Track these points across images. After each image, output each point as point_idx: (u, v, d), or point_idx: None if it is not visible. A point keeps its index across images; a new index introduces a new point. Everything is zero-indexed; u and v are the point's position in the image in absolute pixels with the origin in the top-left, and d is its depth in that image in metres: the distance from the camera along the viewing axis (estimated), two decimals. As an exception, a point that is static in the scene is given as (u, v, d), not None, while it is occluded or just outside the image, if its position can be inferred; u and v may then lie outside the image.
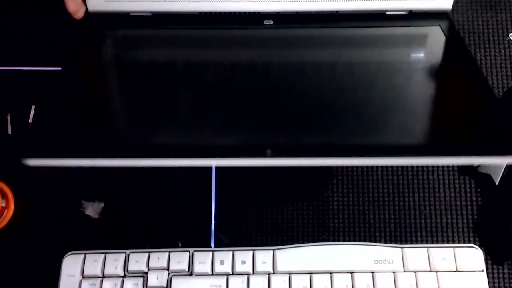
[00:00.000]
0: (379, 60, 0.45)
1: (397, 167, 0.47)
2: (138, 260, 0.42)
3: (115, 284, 0.41)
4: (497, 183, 0.45)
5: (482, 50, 0.51)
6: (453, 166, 0.47)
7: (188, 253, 0.42)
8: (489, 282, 0.42)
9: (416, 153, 0.34)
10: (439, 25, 0.46)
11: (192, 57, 0.46)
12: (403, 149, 0.35)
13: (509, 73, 0.50)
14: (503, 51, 0.50)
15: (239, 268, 0.41)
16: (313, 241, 0.45)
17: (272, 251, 0.42)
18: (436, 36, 0.46)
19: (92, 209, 0.46)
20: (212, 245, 0.45)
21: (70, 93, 0.42)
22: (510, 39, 0.51)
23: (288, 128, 0.38)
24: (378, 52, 0.46)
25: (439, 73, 0.43)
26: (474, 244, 0.44)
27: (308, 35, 0.48)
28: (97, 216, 0.45)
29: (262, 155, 0.34)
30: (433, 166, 0.47)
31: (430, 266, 0.42)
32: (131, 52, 0.48)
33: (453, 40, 0.45)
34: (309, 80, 0.43)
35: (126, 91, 0.43)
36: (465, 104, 0.39)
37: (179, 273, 0.42)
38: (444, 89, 0.42)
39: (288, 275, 0.41)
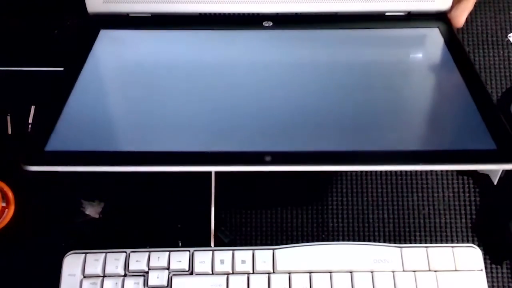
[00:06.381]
0: (378, 62, 0.45)
1: (396, 167, 0.47)
2: (138, 260, 0.42)
3: (116, 283, 0.41)
4: (495, 183, 0.45)
5: (481, 51, 0.51)
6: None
7: (188, 252, 0.42)
8: (488, 282, 0.42)
9: (411, 161, 0.35)
10: (438, 27, 0.47)
11: (191, 59, 0.46)
12: (400, 157, 0.35)
13: (507, 74, 0.50)
14: (502, 52, 0.51)
15: (239, 267, 0.42)
16: (312, 241, 0.45)
17: (272, 251, 0.42)
18: (434, 38, 0.46)
19: (93, 209, 0.46)
20: (212, 244, 0.45)
21: (69, 94, 0.42)
22: (509, 40, 0.51)
23: (286, 133, 0.38)
24: (378, 54, 0.46)
25: (436, 77, 0.44)
26: (473, 243, 0.44)
27: (307, 37, 0.48)
28: (97, 216, 0.45)
29: (261, 162, 0.35)
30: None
31: (429, 266, 0.42)
32: (130, 53, 0.48)
33: (451, 43, 0.45)
34: (307, 82, 0.43)
35: (125, 95, 0.43)
36: (460, 109, 0.39)
37: (180, 273, 0.42)
38: (439, 94, 0.42)
39: (288, 274, 0.41)
